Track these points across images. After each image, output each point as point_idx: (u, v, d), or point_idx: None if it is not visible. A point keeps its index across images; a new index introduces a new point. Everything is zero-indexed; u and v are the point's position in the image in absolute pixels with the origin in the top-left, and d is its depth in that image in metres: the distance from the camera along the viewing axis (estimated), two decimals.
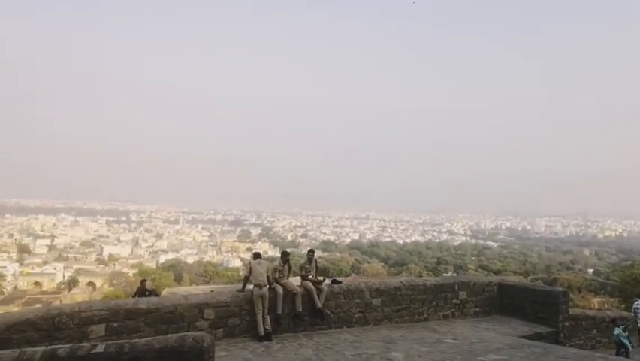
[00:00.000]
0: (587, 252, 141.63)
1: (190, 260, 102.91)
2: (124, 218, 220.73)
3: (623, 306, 27.50)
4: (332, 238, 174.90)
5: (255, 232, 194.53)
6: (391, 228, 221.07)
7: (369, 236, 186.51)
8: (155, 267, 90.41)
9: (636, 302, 13.73)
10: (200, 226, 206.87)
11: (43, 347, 4.73)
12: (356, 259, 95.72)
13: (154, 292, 15.43)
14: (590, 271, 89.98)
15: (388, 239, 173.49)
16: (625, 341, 12.61)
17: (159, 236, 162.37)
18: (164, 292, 18.67)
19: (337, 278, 14.22)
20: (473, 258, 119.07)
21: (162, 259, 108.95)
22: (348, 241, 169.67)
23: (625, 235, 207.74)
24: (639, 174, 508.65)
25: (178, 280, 65.46)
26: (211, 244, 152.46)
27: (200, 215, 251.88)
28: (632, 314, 14.03)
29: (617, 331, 12.89)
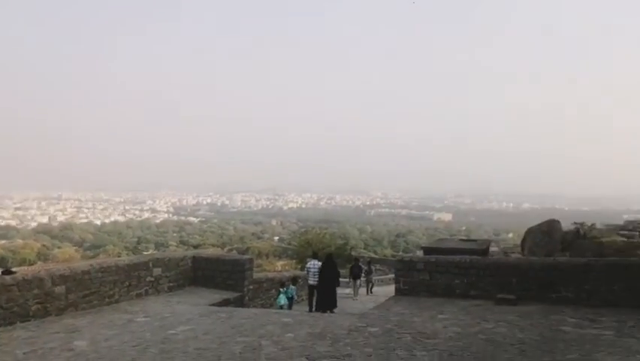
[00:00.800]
0: (274, 222, 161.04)
1: None
2: None
3: (300, 266, 32.72)
4: (13, 222, 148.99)
5: None
6: (88, 208, 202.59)
7: (60, 218, 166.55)
8: None
9: (308, 263, 16.50)
10: None
11: None
12: (44, 245, 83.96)
13: None
14: (276, 238, 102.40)
15: (84, 220, 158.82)
16: (283, 299, 15.17)
17: None
18: None
19: (11, 269, 12.37)
20: (175, 234, 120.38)
21: None
22: (34, 225, 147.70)
23: (303, 206, 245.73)
24: (317, 153, 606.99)
25: None
26: None
27: None
28: (305, 272, 16.85)
29: (283, 290, 15.62)
